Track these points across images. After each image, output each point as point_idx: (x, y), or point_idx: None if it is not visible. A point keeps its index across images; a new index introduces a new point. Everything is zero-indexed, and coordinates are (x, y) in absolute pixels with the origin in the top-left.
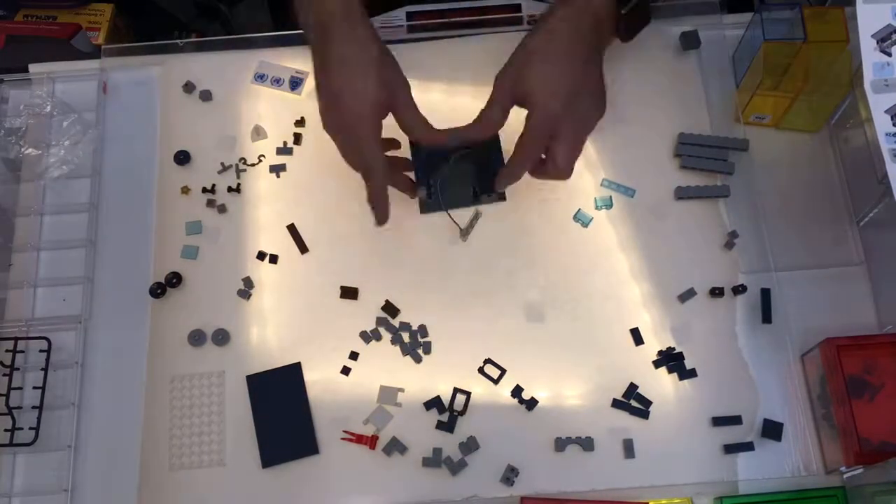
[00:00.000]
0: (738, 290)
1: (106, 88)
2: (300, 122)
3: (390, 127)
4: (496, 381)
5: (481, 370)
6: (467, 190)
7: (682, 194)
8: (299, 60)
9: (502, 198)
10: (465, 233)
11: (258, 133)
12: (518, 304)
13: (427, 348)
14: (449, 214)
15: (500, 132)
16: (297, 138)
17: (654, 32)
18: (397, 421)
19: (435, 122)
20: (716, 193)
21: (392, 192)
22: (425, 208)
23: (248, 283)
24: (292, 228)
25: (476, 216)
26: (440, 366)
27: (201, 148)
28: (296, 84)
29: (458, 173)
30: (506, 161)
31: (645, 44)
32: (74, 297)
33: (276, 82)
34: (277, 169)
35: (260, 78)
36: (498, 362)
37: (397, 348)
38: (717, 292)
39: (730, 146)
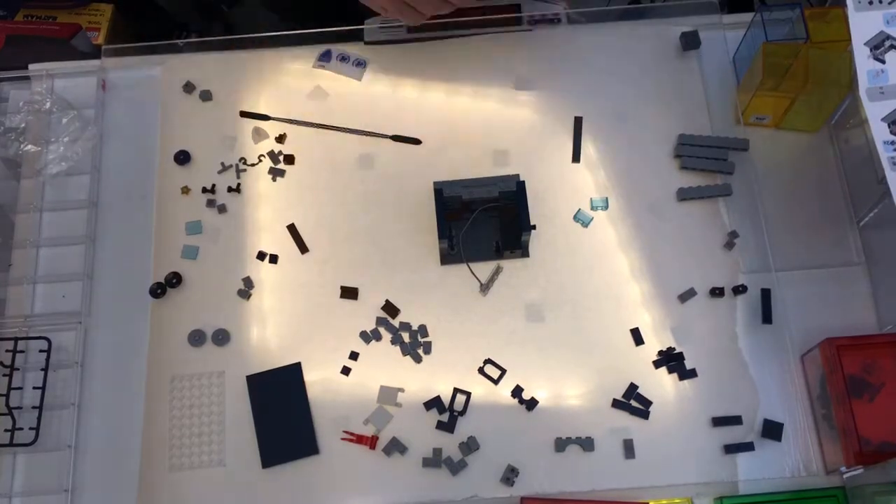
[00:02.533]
0: (739, 290)
1: (105, 86)
2: (280, 139)
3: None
4: (496, 382)
5: (481, 370)
6: (489, 244)
7: (685, 195)
8: (300, 60)
9: (525, 254)
10: (485, 288)
11: (259, 134)
12: (518, 304)
13: (427, 348)
14: (470, 268)
15: (526, 192)
16: (289, 159)
17: (654, 32)
18: (397, 421)
19: (435, 122)
20: (717, 192)
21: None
22: (445, 260)
23: (248, 283)
24: (292, 228)
25: (497, 271)
26: (440, 366)
27: (201, 148)
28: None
29: (482, 226)
30: (531, 221)
31: (645, 44)
32: (74, 293)
33: (343, 59)
34: (277, 171)
35: (325, 57)
36: (498, 362)
37: (397, 348)
38: (717, 292)
39: (730, 146)
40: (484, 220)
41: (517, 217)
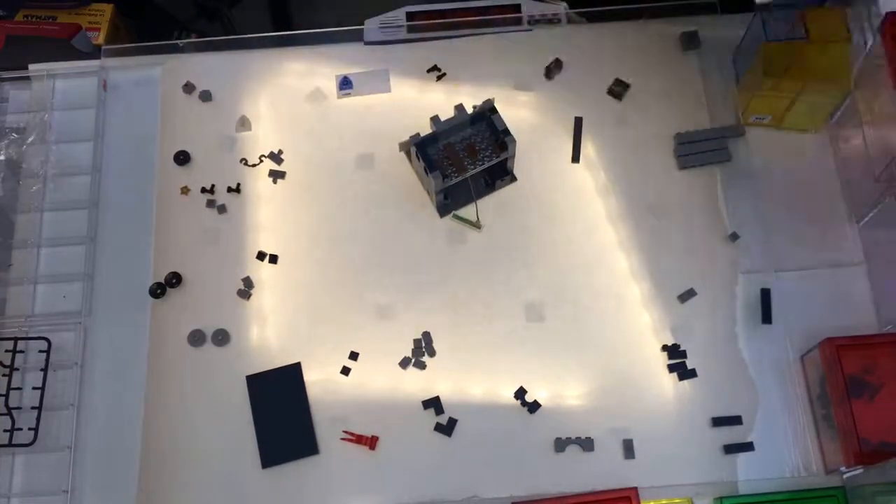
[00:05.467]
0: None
1: (105, 85)
2: (278, 156)
3: None
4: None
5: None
6: (480, 181)
7: (686, 164)
8: (301, 61)
9: (513, 178)
10: (479, 222)
11: (243, 124)
12: (518, 304)
13: (429, 351)
14: (476, 206)
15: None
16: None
17: (654, 32)
18: (397, 421)
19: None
20: (716, 159)
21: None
22: (444, 211)
23: (248, 283)
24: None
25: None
26: (440, 366)
27: (201, 148)
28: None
29: (470, 181)
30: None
31: (645, 44)
32: (74, 294)
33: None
34: (276, 174)
35: (346, 85)
36: (498, 362)
37: (397, 349)
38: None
39: (726, 135)
40: (473, 179)
41: (499, 164)
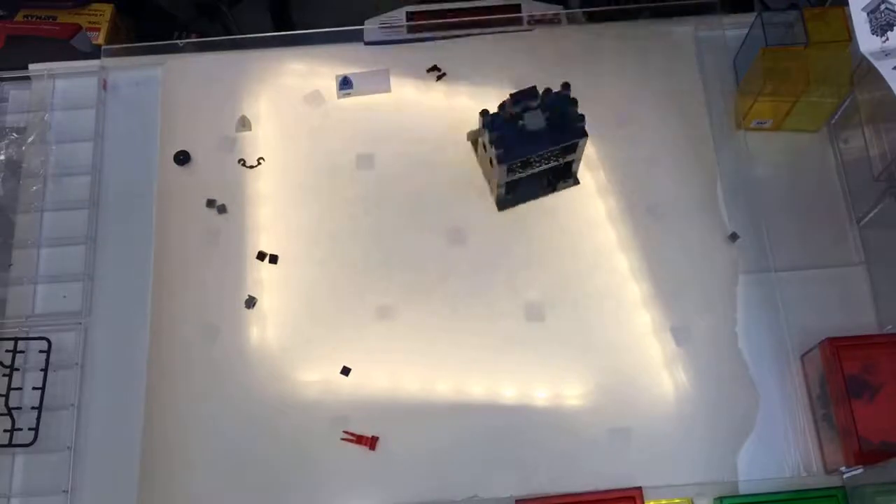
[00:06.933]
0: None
1: (106, 85)
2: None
3: None
4: None
5: None
6: (542, 180)
7: None
8: (301, 61)
9: (576, 181)
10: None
11: (243, 124)
12: (518, 304)
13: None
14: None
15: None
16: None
17: (654, 33)
18: (398, 421)
19: (435, 122)
20: None
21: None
22: (503, 205)
23: (251, 301)
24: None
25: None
26: (440, 365)
27: (201, 148)
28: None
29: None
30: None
31: (645, 44)
32: (74, 294)
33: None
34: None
35: (346, 85)
36: (498, 362)
37: (397, 348)
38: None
39: None
40: (538, 177)
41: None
